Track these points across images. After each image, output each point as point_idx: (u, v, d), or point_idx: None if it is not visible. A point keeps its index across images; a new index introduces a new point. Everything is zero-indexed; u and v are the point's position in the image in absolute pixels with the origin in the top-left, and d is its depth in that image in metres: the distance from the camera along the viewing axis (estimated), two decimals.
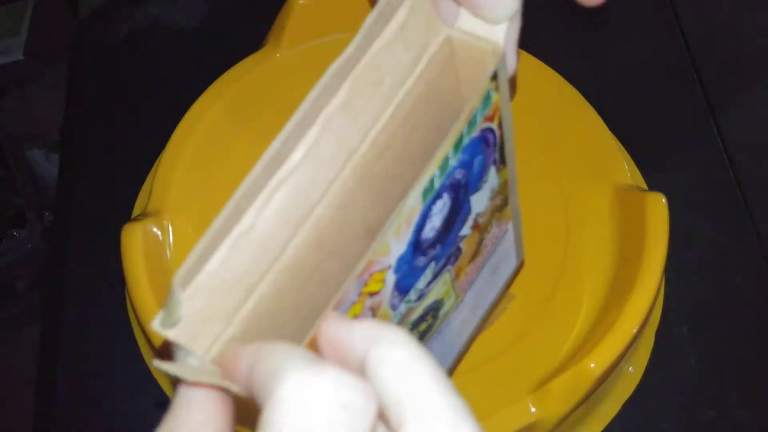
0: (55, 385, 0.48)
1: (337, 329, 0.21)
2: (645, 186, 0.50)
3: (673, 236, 0.41)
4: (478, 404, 0.41)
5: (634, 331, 0.38)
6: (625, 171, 0.46)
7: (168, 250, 0.44)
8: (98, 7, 0.66)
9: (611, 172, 0.46)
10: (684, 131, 0.56)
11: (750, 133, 0.56)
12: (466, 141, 0.26)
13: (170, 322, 0.20)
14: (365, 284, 0.25)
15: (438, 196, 0.26)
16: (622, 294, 0.40)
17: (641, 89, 0.57)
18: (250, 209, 0.21)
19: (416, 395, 0.18)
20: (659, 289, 0.43)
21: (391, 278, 0.26)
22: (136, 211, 0.51)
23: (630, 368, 0.46)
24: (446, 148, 0.25)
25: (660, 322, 0.47)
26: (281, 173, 0.22)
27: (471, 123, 0.26)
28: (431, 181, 0.25)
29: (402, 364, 0.19)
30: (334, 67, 0.22)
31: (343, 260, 0.24)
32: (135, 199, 0.52)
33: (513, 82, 0.28)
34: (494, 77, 0.26)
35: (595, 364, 0.38)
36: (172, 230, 0.44)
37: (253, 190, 0.21)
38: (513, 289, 0.43)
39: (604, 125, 0.48)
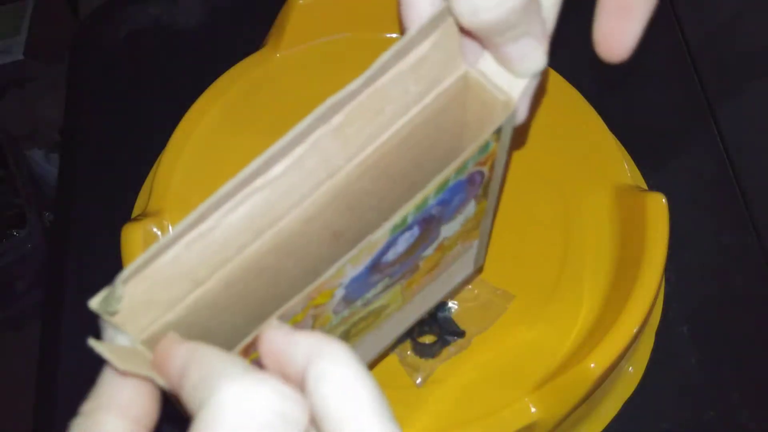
0: (55, 385, 0.48)
1: (278, 340, 0.21)
2: (645, 186, 0.50)
3: (673, 236, 0.41)
4: (478, 404, 0.41)
5: (634, 331, 0.38)
6: (625, 171, 0.46)
7: None
8: (98, 7, 0.66)
9: (611, 172, 0.46)
10: (684, 131, 0.56)
11: (750, 133, 0.56)
12: (451, 183, 0.26)
13: (107, 310, 0.21)
14: (312, 299, 0.25)
15: (408, 228, 0.26)
16: (622, 294, 0.40)
17: (641, 89, 0.57)
18: (215, 213, 0.22)
19: (353, 418, 0.18)
20: (659, 289, 0.43)
21: (340, 293, 0.26)
22: (136, 211, 0.51)
23: (630, 368, 0.46)
24: (428, 191, 0.25)
25: (660, 322, 0.47)
26: (257, 184, 0.22)
27: (460, 170, 0.26)
28: (404, 219, 0.25)
29: (342, 383, 0.19)
30: (337, 96, 0.22)
31: (300, 259, 0.24)
32: (135, 199, 0.52)
33: (521, 128, 0.28)
34: (498, 130, 0.26)
35: (595, 364, 0.37)
36: (172, 230, 0.44)
37: (225, 197, 0.21)
38: (513, 289, 0.43)
39: (604, 125, 0.48)
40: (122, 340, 0.21)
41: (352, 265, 0.25)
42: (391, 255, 0.27)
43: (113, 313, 0.21)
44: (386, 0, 0.50)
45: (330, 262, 0.25)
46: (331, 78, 0.51)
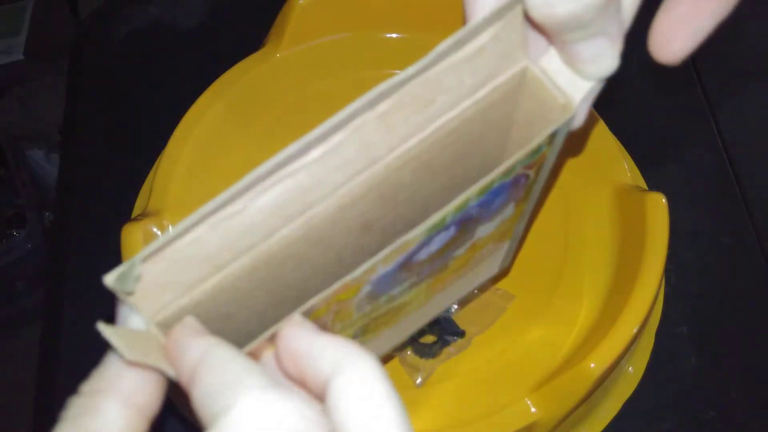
0: (55, 385, 0.48)
1: (301, 341, 0.19)
2: (645, 186, 0.50)
3: (673, 236, 0.41)
4: (478, 404, 0.41)
5: (634, 331, 0.38)
6: (625, 171, 0.46)
7: None
8: (98, 7, 0.66)
9: (611, 172, 0.46)
10: (684, 131, 0.56)
11: (750, 133, 0.56)
12: (495, 185, 0.25)
13: (122, 288, 0.20)
14: (337, 294, 0.24)
15: (445, 228, 0.25)
16: (622, 294, 0.40)
17: (641, 89, 0.57)
18: (245, 195, 0.21)
19: None
20: (659, 289, 0.43)
21: (366, 289, 0.25)
22: (136, 211, 0.51)
23: (630, 368, 0.46)
24: (471, 193, 0.24)
25: (660, 322, 0.47)
26: (289, 168, 0.21)
27: (508, 173, 0.24)
28: (443, 219, 0.24)
29: (369, 402, 0.18)
30: (388, 82, 0.21)
31: (327, 248, 0.23)
32: (135, 199, 0.52)
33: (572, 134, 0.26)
34: (553, 134, 0.24)
35: (595, 364, 0.37)
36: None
37: (255, 180, 0.20)
38: (513, 289, 0.43)
39: (604, 125, 0.48)
40: (135, 322, 0.20)
41: (383, 264, 0.24)
42: (423, 254, 0.26)
43: (129, 293, 0.20)
44: (386, 0, 0.50)
45: (356, 252, 0.24)
46: (331, 78, 0.51)
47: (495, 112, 0.24)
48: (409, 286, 0.29)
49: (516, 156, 0.24)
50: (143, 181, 0.52)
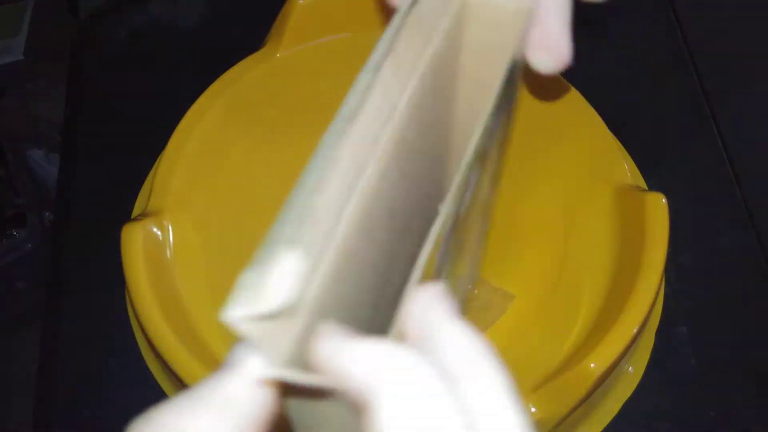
0: (55, 385, 0.48)
1: (429, 317, 0.18)
2: (645, 186, 0.50)
3: (673, 236, 0.41)
4: None
5: (634, 331, 0.38)
6: (625, 171, 0.46)
7: (168, 250, 0.44)
8: (98, 7, 0.66)
9: (611, 172, 0.46)
10: (684, 131, 0.56)
11: (750, 133, 0.56)
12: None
13: (263, 306, 0.14)
14: (425, 266, 0.21)
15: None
16: (622, 294, 0.40)
17: (641, 89, 0.57)
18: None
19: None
20: (659, 289, 0.43)
21: (436, 266, 0.24)
22: (136, 211, 0.51)
23: (630, 368, 0.46)
24: (488, 108, 0.24)
25: (660, 322, 0.47)
26: (339, 124, 0.19)
27: (511, 71, 0.24)
28: (487, 123, 0.24)
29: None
30: (394, 25, 0.21)
31: (376, 251, 0.22)
32: (135, 199, 0.52)
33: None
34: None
35: (595, 364, 0.37)
36: (172, 230, 0.44)
37: (332, 144, 0.18)
38: (513, 289, 0.43)
39: (604, 125, 0.48)
40: (256, 364, 0.16)
41: (452, 202, 0.22)
42: (464, 206, 0.25)
43: (290, 310, 0.15)
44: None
45: (390, 266, 0.23)
46: (331, 78, 0.51)
47: (450, 54, 0.25)
48: (450, 268, 0.28)
49: (505, 59, 0.24)
50: (143, 181, 0.52)
